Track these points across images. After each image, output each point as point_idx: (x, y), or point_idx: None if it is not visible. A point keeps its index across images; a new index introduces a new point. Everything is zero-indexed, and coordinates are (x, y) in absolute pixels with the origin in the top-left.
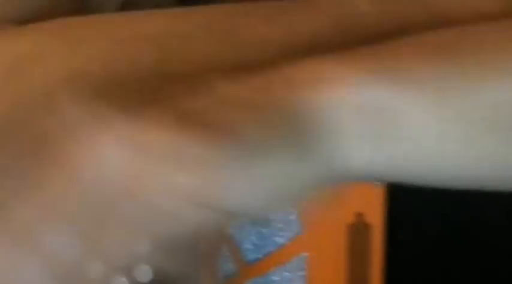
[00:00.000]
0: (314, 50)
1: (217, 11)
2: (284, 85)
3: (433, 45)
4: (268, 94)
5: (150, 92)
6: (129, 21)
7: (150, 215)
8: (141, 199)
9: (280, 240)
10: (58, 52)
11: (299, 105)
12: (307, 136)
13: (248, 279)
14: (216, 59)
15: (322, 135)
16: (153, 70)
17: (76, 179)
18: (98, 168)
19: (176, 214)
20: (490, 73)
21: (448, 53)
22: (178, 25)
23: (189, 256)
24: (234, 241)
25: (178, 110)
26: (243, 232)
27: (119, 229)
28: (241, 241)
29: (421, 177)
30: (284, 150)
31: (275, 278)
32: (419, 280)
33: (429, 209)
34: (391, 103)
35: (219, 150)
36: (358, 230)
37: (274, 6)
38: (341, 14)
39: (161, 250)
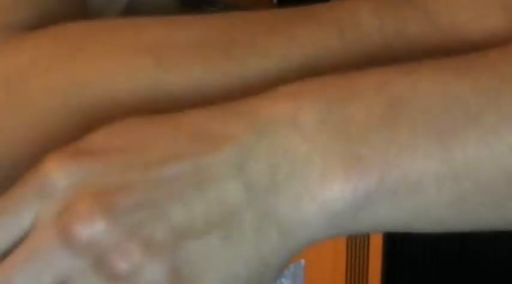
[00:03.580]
0: (317, 61)
1: (218, 20)
2: None
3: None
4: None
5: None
6: (128, 29)
7: None
8: None
9: None
10: (56, 61)
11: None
12: None
13: None
14: (215, 70)
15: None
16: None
17: None
18: None
19: None
20: None
21: None
22: (178, 34)
23: None
24: None
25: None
26: None
27: None
28: None
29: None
30: None
31: None
32: None
33: None
34: None
35: None
36: (357, 236)
37: (276, 16)
38: (343, 24)
39: None
